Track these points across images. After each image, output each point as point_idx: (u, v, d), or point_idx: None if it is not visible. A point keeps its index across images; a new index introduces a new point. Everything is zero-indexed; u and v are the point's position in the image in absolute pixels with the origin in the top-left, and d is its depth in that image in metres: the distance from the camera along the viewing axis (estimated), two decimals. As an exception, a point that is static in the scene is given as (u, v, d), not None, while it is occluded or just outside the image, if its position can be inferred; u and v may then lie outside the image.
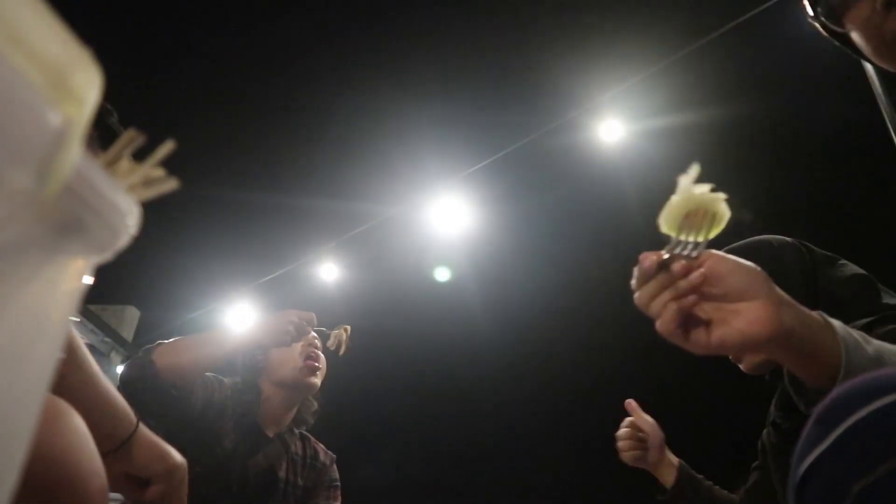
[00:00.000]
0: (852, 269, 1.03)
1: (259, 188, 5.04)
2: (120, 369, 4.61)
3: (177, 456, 0.81)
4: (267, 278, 3.93)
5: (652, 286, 0.62)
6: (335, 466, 1.73)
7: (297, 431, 1.69)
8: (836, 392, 0.45)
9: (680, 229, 0.61)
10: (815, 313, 0.63)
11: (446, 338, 6.21)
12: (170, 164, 0.30)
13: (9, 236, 0.20)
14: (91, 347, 4.45)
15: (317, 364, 1.63)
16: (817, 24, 0.77)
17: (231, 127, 4.83)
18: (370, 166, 5.04)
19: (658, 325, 0.61)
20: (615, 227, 5.56)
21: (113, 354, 4.51)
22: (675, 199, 0.61)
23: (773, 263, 0.97)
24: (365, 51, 4.68)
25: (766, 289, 0.60)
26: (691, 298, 0.60)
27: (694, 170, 0.61)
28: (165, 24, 4.45)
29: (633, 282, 0.64)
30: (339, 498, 1.69)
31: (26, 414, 0.23)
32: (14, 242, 0.21)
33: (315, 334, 1.69)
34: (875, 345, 0.63)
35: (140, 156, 0.31)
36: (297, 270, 3.90)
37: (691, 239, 0.61)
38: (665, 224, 0.62)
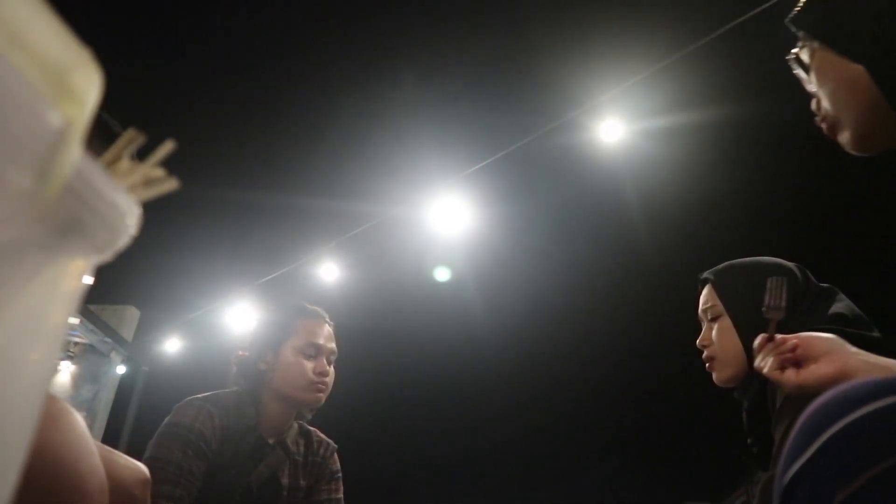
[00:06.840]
0: (838, 307, 1.01)
1: (259, 188, 5.04)
2: (120, 369, 4.61)
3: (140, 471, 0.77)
4: (267, 278, 3.93)
5: (767, 352, 0.88)
6: (336, 457, 1.70)
7: (296, 424, 1.65)
8: (818, 402, 0.44)
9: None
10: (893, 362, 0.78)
11: (446, 337, 6.21)
12: (170, 164, 0.30)
13: (9, 236, 0.20)
14: (91, 347, 4.45)
15: (325, 386, 1.60)
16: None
17: (231, 127, 4.83)
18: (370, 166, 5.05)
19: (765, 368, 0.86)
20: (615, 226, 5.56)
21: (113, 354, 4.52)
22: None
23: (761, 285, 0.98)
24: (365, 50, 4.69)
25: (838, 346, 0.81)
26: (788, 354, 0.84)
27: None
28: (165, 23, 4.46)
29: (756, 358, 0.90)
30: (341, 490, 1.67)
31: (26, 414, 0.23)
32: (14, 242, 0.21)
33: (333, 349, 1.65)
34: None
35: (140, 156, 0.31)
36: (297, 270, 3.90)
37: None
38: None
